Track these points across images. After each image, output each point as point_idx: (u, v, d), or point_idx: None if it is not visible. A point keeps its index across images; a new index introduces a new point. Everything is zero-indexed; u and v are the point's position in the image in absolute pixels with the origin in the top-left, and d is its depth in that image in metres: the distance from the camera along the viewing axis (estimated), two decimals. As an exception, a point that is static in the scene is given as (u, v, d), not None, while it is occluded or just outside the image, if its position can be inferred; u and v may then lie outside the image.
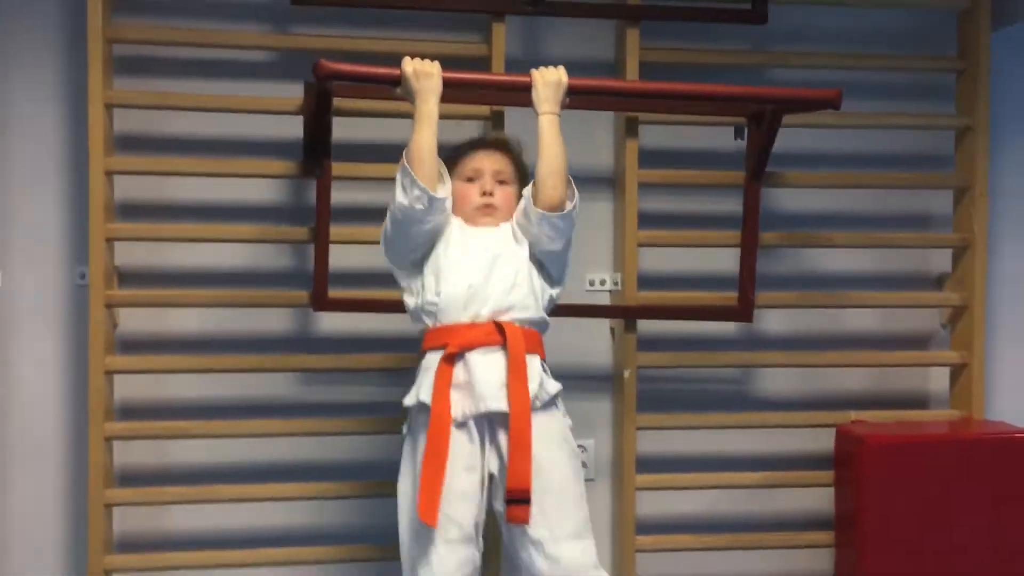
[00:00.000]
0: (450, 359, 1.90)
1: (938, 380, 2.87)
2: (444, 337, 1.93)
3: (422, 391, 1.92)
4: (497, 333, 1.92)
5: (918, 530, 2.55)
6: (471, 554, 1.90)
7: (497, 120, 2.50)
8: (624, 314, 2.60)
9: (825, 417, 2.73)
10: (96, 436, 2.37)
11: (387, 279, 2.40)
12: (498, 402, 1.89)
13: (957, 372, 2.81)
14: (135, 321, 2.52)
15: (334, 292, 2.42)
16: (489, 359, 1.91)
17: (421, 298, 1.99)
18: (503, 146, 2.14)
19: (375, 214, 2.43)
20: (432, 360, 1.93)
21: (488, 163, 2.08)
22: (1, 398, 2.52)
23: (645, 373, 2.63)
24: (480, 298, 1.94)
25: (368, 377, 2.61)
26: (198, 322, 2.56)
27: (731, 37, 2.71)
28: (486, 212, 2.04)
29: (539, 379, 1.94)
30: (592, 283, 2.66)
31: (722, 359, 2.75)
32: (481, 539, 1.94)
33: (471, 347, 1.91)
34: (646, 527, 2.64)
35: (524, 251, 2.02)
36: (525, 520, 1.86)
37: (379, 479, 2.54)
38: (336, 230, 2.41)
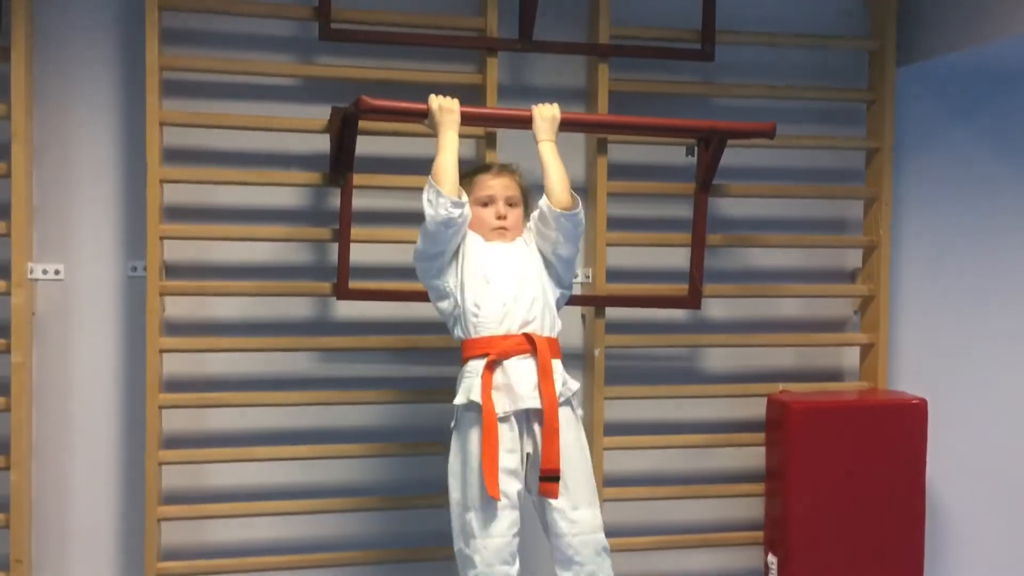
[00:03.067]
0: (491, 366, 2.15)
1: (851, 357, 3.10)
2: (484, 348, 2.17)
3: (472, 392, 2.15)
4: (527, 343, 2.17)
5: (834, 480, 2.79)
6: (516, 517, 2.17)
7: (490, 139, 2.70)
8: (595, 303, 2.81)
9: (758, 388, 2.96)
10: (152, 404, 2.56)
11: (399, 273, 2.64)
12: (533, 401, 2.15)
13: (866, 350, 3.04)
14: (179, 308, 2.68)
15: (354, 283, 2.61)
16: (523, 365, 2.16)
17: (461, 310, 2.21)
18: (511, 171, 2.38)
19: (390, 217, 2.70)
20: (474, 367, 2.17)
21: (500, 188, 2.32)
22: (64, 375, 2.66)
23: (612, 352, 2.85)
24: (512, 315, 2.18)
25: (381, 356, 2.79)
26: (235, 309, 2.71)
27: (685, 71, 2.92)
28: (501, 233, 2.29)
29: (562, 379, 2.21)
30: None
31: (675, 340, 2.95)
32: (521, 506, 2.20)
33: (507, 356, 2.16)
34: (611, 481, 2.85)
35: (540, 266, 2.27)
36: (555, 495, 2.14)
37: (389, 442, 2.77)
38: (356, 231, 2.60)
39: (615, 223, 2.85)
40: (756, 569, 2.98)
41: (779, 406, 2.87)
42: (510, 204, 2.33)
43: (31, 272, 2.60)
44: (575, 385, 2.27)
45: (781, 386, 2.97)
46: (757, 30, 2.94)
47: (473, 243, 2.28)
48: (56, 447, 2.68)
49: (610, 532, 2.82)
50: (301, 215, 2.76)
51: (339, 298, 2.65)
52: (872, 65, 3.03)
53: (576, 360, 2.91)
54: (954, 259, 3.20)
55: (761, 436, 2.96)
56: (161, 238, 2.60)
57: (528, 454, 2.20)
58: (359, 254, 2.65)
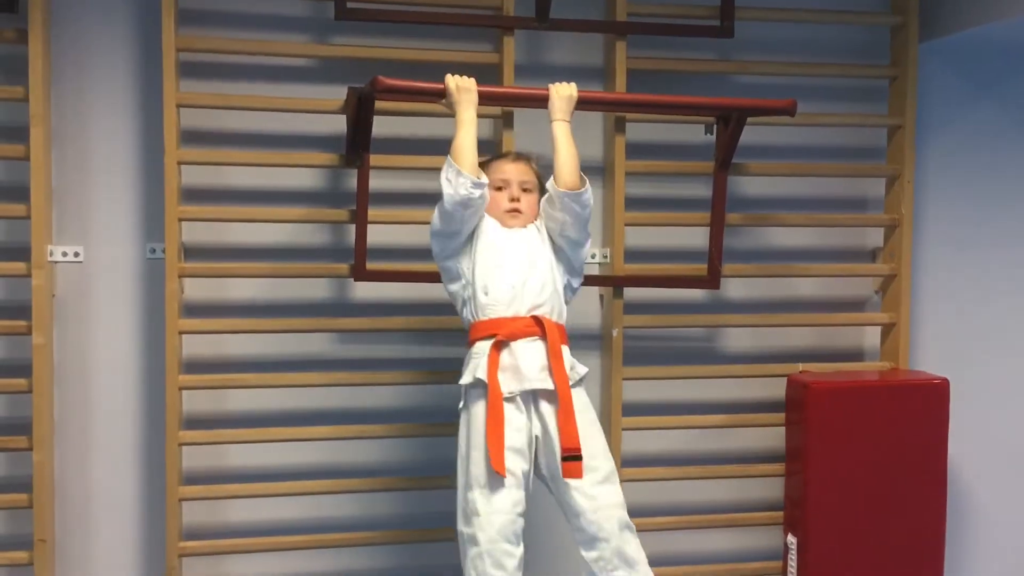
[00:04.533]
0: (499, 346, 2.15)
1: (871, 337, 3.09)
2: (492, 329, 2.17)
3: (478, 371, 2.14)
4: (535, 326, 2.17)
5: (853, 460, 2.77)
6: (522, 497, 2.15)
7: (507, 119, 2.70)
8: (612, 283, 2.80)
9: (778, 368, 2.95)
10: (172, 386, 2.58)
11: (416, 255, 2.65)
12: (541, 382, 2.15)
13: (887, 330, 3.03)
14: (197, 290, 2.69)
15: (371, 265, 2.62)
16: (530, 347, 2.16)
17: (471, 292, 2.22)
18: (527, 159, 2.38)
19: (407, 198, 2.70)
20: (481, 347, 2.17)
21: (515, 173, 2.32)
22: (84, 356, 2.68)
23: (630, 332, 2.84)
24: (520, 298, 2.19)
25: (397, 337, 2.80)
26: (253, 291, 2.72)
27: (704, 48, 2.89)
28: (514, 216, 2.29)
29: (571, 363, 2.21)
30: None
31: (694, 320, 2.95)
32: (530, 486, 2.18)
33: (515, 338, 2.16)
34: (630, 462, 2.85)
35: (551, 253, 2.27)
36: (580, 474, 2.10)
37: (407, 422, 2.78)
38: (373, 212, 2.60)
39: (633, 203, 2.84)
40: (775, 549, 2.98)
41: (799, 386, 2.86)
42: (524, 189, 2.33)
43: (51, 254, 2.62)
44: (583, 369, 2.26)
45: (801, 366, 2.96)
46: (777, 6, 2.92)
47: (488, 227, 2.28)
48: (78, 428, 2.71)
49: (629, 512, 2.84)
50: (318, 196, 2.77)
51: (356, 279, 2.66)
52: (894, 41, 3.00)
53: (594, 340, 2.92)
54: (977, 237, 3.17)
55: (781, 416, 2.95)
56: (179, 220, 2.61)
57: (537, 436, 2.19)
58: (376, 235, 2.65)
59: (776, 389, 2.95)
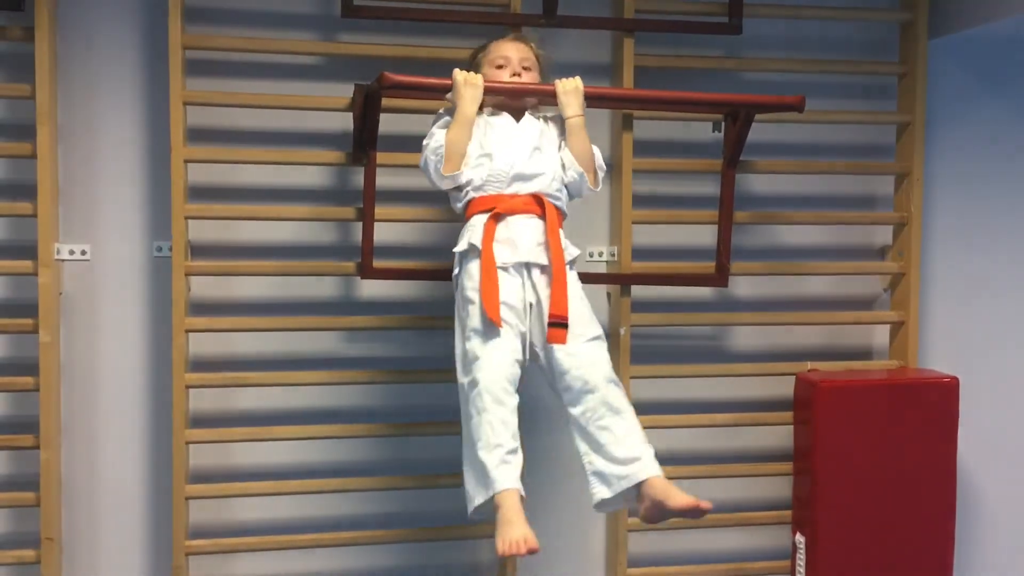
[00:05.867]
0: (496, 218, 2.17)
1: (880, 335, 3.07)
2: (491, 203, 2.20)
3: (473, 238, 2.18)
4: (535, 204, 2.21)
5: (862, 460, 2.77)
6: (518, 345, 2.16)
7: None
8: (620, 281, 2.79)
9: (786, 367, 2.93)
10: (178, 384, 2.58)
11: (423, 252, 2.66)
12: (535, 256, 2.19)
13: (896, 328, 3.01)
14: (204, 288, 2.68)
15: (378, 263, 2.61)
16: (528, 223, 2.20)
17: (471, 171, 2.23)
18: (527, 40, 2.41)
19: (414, 196, 2.69)
20: (477, 220, 2.20)
21: (515, 52, 2.34)
22: (91, 354, 2.68)
23: (637, 331, 2.83)
24: (521, 179, 2.22)
25: (404, 335, 2.78)
26: (260, 289, 2.70)
27: (711, 45, 2.87)
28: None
29: (565, 244, 2.23)
30: (592, 255, 2.84)
31: (702, 319, 2.93)
32: (527, 351, 2.19)
33: (513, 212, 2.20)
34: None
35: (556, 152, 2.30)
36: (563, 340, 2.13)
37: (412, 420, 2.78)
38: (380, 210, 2.59)
39: (641, 200, 2.83)
40: (784, 549, 2.97)
41: (807, 385, 2.85)
42: (525, 67, 2.35)
43: (57, 252, 2.61)
44: (575, 251, 2.28)
45: (809, 365, 2.95)
46: (785, 3, 2.90)
47: (493, 120, 2.30)
48: (85, 426, 2.71)
49: (635, 512, 2.83)
50: (325, 194, 2.76)
51: (363, 277, 2.65)
52: (903, 37, 2.99)
53: (601, 339, 2.91)
54: (986, 235, 3.15)
55: (789, 415, 2.94)
56: (186, 218, 2.61)
57: (531, 304, 2.20)
58: (383, 233, 2.65)
59: (784, 388, 2.94)
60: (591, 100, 2.39)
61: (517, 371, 2.16)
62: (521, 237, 2.19)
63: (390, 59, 2.66)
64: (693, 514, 2.08)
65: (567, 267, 2.23)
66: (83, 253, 2.66)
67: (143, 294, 2.72)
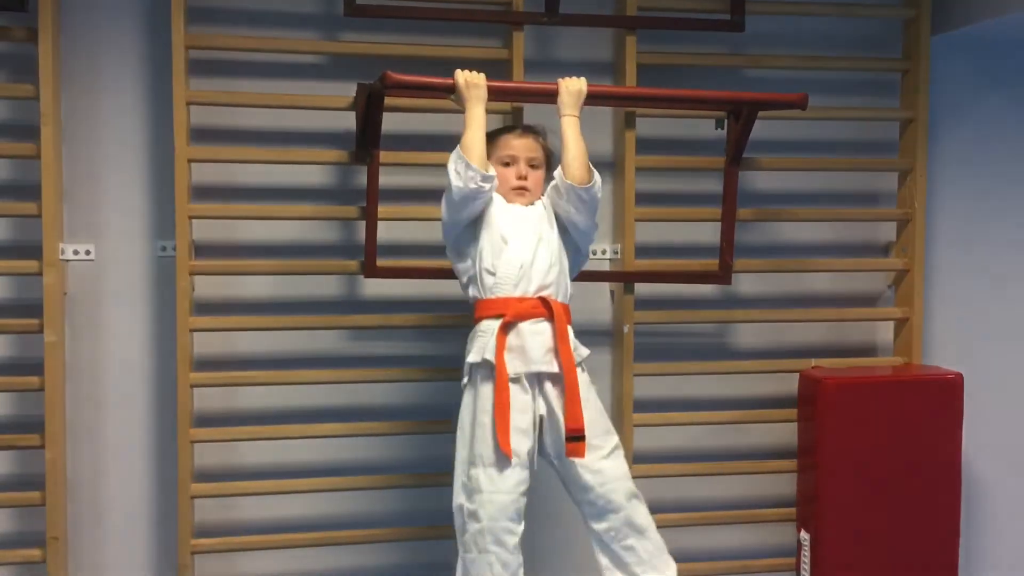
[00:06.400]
0: (505, 328, 2.16)
1: (884, 332, 3.08)
2: (499, 309, 2.18)
3: (486, 352, 2.16)
4: (542, 307, 2.18)
5: (866, 456, 2.77)
6: (526, 476, 2.18)
7: (517, 115, 2.68)
8: (623, 279, 2.80)
9: (790, 364, 2.93)
10: (183, 383, 2.59)
11: (426, 251, 2.65)
12: (547, 365, 2.17)
13: (900, 325, 3.02)
14: (208, 287, 2.69)
15: (381, 261, 2.62)
16: (537, 328, 2.18)
17: (477, 268, 2.23)
18: (534, 133, 2.39)
19: (417, 195, 2.70)
20: (488, 326, 2.19)
21: (522, 149, 2.32)
22: (96, 354, 2.69)
23: (641, 328, 2.83)
24: (528, 277, 2.20)
25: (408, 334, 2.79)
26: (263, 288, 2.71)
27: (714, 42, 2.88)
28: (520, 193, 2.30)
29: (574, 344, 2.23)
30: (595, 252, 2.81)
31: (705, 316, 2.95)
32: (535, 465, 2.22)
33: (522, 319, 2.18)
34: (642, 458, 2.84)
35: (557, 233, 2.28)
36: (582, 455, 2.14)
37: (416, 419, 2.78)
38: (383, 209, 2.60)
39: (644, 198, 2.83)
40: (788, 546, 2.97)
41: (811, 382, 2.85)
42: (532, 165, 2.34)
43: (62, 252, 2.62)
44: (585, 352, 2.29)
45: (813, 362, 2.95)
46: (787, -1, 2.91)
47: (494, 206, 2.28)
48: (90, 425, 2.71)
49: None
50: (328, 193, 2.77)
51: (366, 276, 2.66)
52: (906, 33, 2.99)
53: (604, 336, 2.92)
54: (990, 230, 3.15)
55: (793, 412, 2.94)
56: (190, 217, 2.62)
57: (542, 416, 2.21)
58: (386, 232, 2.65)
59: (788, 385, 2.94)
60: (594, 98, 2.40)
61: (523, 501, 2.18)
62: (531, 345, 2.18)
63: (393, 58, 2.67)
64: None
65: (582, 368, 2.24)
66: (87, 253, 2.67)
67: (147, 294, 2.73)
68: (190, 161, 2.62)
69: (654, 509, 2.79)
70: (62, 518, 2.63)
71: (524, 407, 2.19)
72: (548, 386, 2.21)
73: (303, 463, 2.78)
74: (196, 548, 2.66)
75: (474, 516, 2.15)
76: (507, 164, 2.33)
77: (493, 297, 2.21)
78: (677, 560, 2.94)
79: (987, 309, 3.16)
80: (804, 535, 2.87)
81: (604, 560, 2.25)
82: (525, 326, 2.19)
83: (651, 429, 2.90)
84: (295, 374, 2.74)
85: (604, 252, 2.89)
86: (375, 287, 2.78)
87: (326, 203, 2.76)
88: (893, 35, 3.01)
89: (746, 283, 2.99)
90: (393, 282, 2.74)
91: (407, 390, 2.82)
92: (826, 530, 2.80)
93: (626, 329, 2.81)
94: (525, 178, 2.31)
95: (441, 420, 2.76)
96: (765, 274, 2.99)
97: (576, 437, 2.14)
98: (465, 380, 2.26)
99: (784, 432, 2.97)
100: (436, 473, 2.77)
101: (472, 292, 2.28)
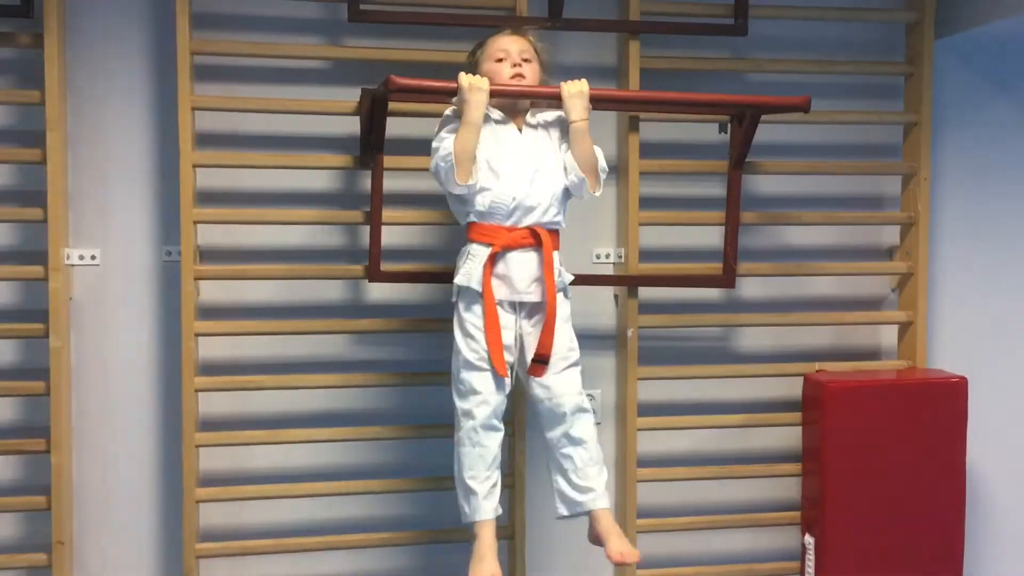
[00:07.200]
0: (494, 259, 2.25)
1: (888, 335, 3.07)
2: (489, 236, 2.26)
3: (472, 280, 2.26)
4: (531, 237, 2.27)
5: (871, 460, 2.77)
6: (507, 382, 2.31)
7: None
8: (627, 282, 2.80)
9: (794, 367, 2.93)
10: (188, 388, 2.59)
11: (429, 255, 2.66)
12: (530, 295, 2.29)
13: (904, 329, 3.01)
14: (213, 292, 2.69)
15: (386, 266, 2.62)
16: (524, 257, 2.27)
17: (471, 195, 2.26)
18: (524, 32, 2.44)
19: (421, 199, 2.70)
20: (477, 251, 2.28)
21: (513, 45, 2.36)
22: (101, 359, 2.69)
23: (645, 332, 2.84)
24: (521, 211, 2.27)
25: (412, 338, 2.79)
26: (268, 293, 2.71)
27: (717, 47, 2.88)
28: (519, 81, 2.32)
29: (558, 271, 2.32)
30: (599, 256, 2.87)
31: (709, 320, 2.93)
32: (514, 378, 2.36)
33: (511, 248, 2.27)
34: (646, 462, 2.85)
35: (558, 161, 2.33)
36: (541, 375, 2.31)
37: (420, 423, 2.77)
38: (388, 213, 2.59)
39: (647, 202, 2.83)
40: (793, 549, 2.97)
41: (815, 385, 2.85)
42: (525, 60, 2.37)
43: (67, 258, 2.63)
44: (569, 277, 2.38)
45: (817, 365, 2.95)
46: (791, 4, 2.90)
47: (494, 130, 2.31)
48: (95, 430, 2.72)
49: (644, 513, 2.86)
50: (332, 198, 2.77)
51: (371, 280, 2.65)
52: (909, 37, 2.99)
53: (609, 340, 2.92)
54: (994, 234, 3.14)
55: (797, 416, 2.94)
56: (195, 222, 2.61)
57: (520, 335, 2.33)
58: (390, 236, 2.65)
59: (793, 388, 2.95)
60: (597, 102, 2.39)
61: (505, 402, 2.34)
62: (517, 274, 2.28)
63: (397, 63, 2.67)
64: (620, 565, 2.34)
65: (563, 292, 2.35)
66: (93, 258, 2.68)
67: (153, 298, 2.73)
68: (195, 166, 2.62)
69: (659, 513, 2.89)
70: (68, 522, 2.63)
71: (507, 324, 2.30)
72: (528, 311, 2.32)
73: (308, 467, 2.79)
74: (201, 552, 2.66)
75: (467, 414, 2.29)
76: (500, 60, 2.36)
77: (484, 224, 2.29)
78: (682, 564, 2.98)
79: (991, 312, 3.16)
80: (809, 539, 2.87)
81: (551, 466, 2.37)
82: (513, 255, 2.28)
83: (655, 433, 2.90)
84: (300, 378, 2.74)
85: (608, 256, 2.90)
86: (380, 291, 2.78)
87: (331, 208, 2.76)
88: (896, 39, 3.01)
89: (750, 287, 2.99)
90: (397, 286, 2.76)
91: (412, 394, 2.82)
92: (831, 534, 2.80)
93: (630, 333, 2.81)
94: (520, 65, 2.35)
95: (447, 424, 2.73)
96: (769, 278, 2.98)
97: (540, 360, 2.29)
98: (454, 297, 2.35)
99: (788, 436, 2.97)
100: (442, 477, 2.75)
101: (464, 212, 2.33)
